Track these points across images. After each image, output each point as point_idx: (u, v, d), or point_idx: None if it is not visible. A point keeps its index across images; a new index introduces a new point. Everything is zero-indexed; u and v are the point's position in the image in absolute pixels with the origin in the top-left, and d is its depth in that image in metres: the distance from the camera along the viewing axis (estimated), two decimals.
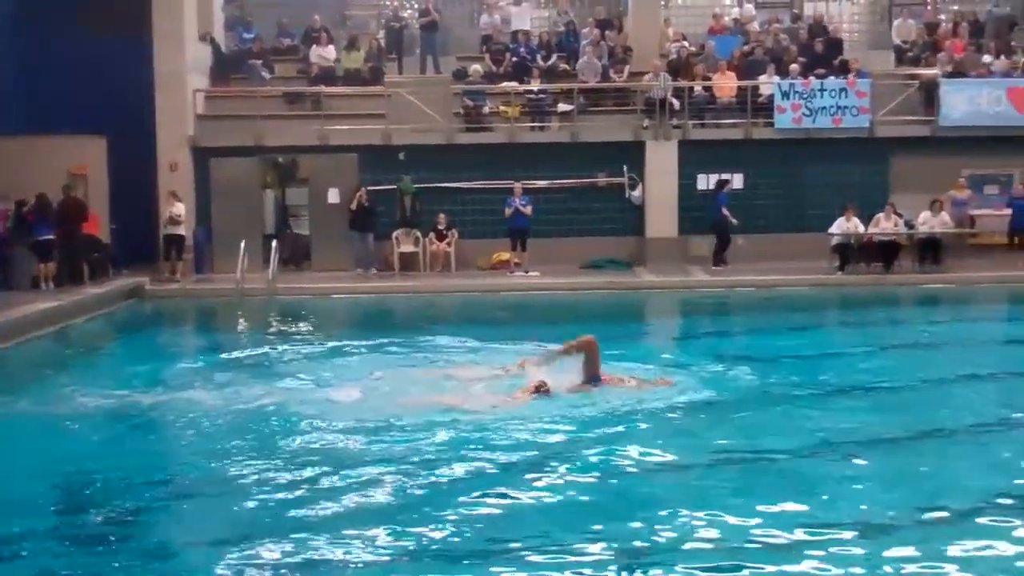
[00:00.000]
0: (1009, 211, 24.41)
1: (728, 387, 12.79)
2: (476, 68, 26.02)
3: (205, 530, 8.54)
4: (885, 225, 23.25)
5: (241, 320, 20.37)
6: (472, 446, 10.32)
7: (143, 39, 24.06)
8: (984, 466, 9.77)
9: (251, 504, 8.93)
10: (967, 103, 24.94)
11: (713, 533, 8.04)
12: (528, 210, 23.92)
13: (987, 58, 26.34)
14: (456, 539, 8.03)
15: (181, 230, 23.49)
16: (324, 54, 26.64)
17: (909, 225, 23.58)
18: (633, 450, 10.12)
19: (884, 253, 23.14)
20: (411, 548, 7.88)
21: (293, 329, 19.23)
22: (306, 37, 27.56)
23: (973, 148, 24.98)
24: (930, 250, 23.35)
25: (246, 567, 7.54)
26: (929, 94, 25.35)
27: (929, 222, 23.33)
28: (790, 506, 8.58)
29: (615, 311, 20.47)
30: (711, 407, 11.84)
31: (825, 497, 8.84)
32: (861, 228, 23.13)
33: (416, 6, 29.35)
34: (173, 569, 7.90)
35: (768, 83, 25.27)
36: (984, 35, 27.69)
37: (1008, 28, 28.25)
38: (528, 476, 9.43)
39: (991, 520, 8.29)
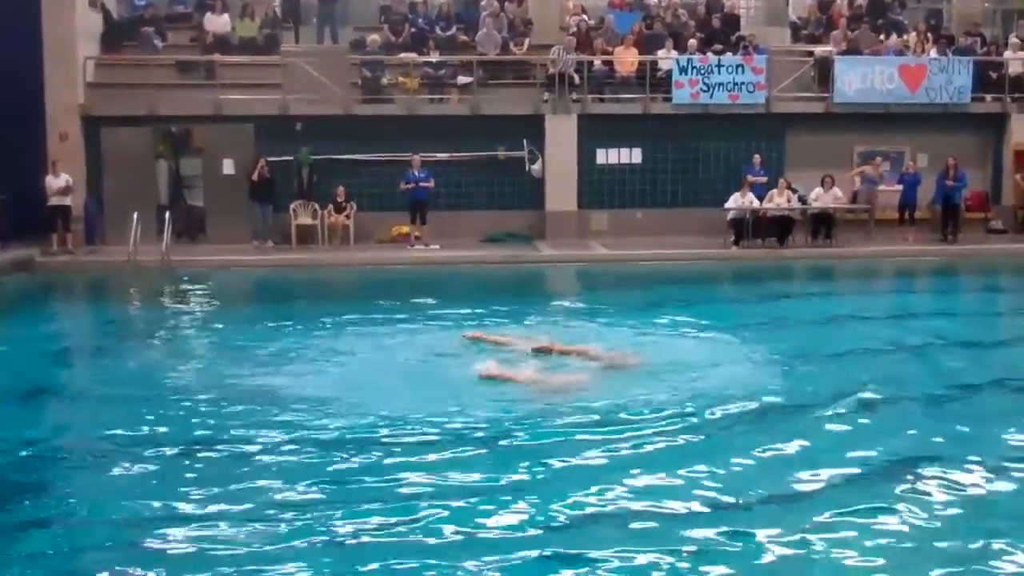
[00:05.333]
0: (900, 187, 24.98)
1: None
2: (374, 38, 25.67)
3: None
4: (779, 200, 23.60)
5: (134, 292, 19.90)
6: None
7: (31, 5, 23.29)
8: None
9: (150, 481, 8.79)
10: (860, 81, 25.34)
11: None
12: (429, 183, 23.79)
13: (881, 36, 26.82)
14: None
15: (67, 200, 22.72)
16: (218, 22, 26.12)
17: (803, 201, 23.98)
18: None
19: (778, 228, 23.53)
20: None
21: (192, 301, 18.83)
22: (200, 5, 26.97)
23: (866, 125, 25.49)
24: (823, 225, 23.80)
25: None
26: (824, 71, 25.72)
27: (821, 198, 23.75)
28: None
29: (516, 284, 20.50)
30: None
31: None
32: (756, 203, 23.47)
33: None
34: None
35: (667, 58, 25.41)
36: (877, 13, 28.14)
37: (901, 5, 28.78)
38: None
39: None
